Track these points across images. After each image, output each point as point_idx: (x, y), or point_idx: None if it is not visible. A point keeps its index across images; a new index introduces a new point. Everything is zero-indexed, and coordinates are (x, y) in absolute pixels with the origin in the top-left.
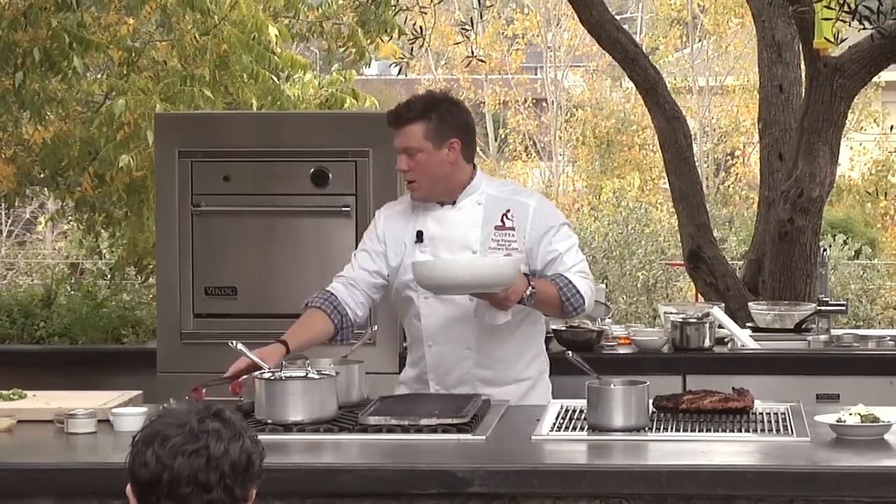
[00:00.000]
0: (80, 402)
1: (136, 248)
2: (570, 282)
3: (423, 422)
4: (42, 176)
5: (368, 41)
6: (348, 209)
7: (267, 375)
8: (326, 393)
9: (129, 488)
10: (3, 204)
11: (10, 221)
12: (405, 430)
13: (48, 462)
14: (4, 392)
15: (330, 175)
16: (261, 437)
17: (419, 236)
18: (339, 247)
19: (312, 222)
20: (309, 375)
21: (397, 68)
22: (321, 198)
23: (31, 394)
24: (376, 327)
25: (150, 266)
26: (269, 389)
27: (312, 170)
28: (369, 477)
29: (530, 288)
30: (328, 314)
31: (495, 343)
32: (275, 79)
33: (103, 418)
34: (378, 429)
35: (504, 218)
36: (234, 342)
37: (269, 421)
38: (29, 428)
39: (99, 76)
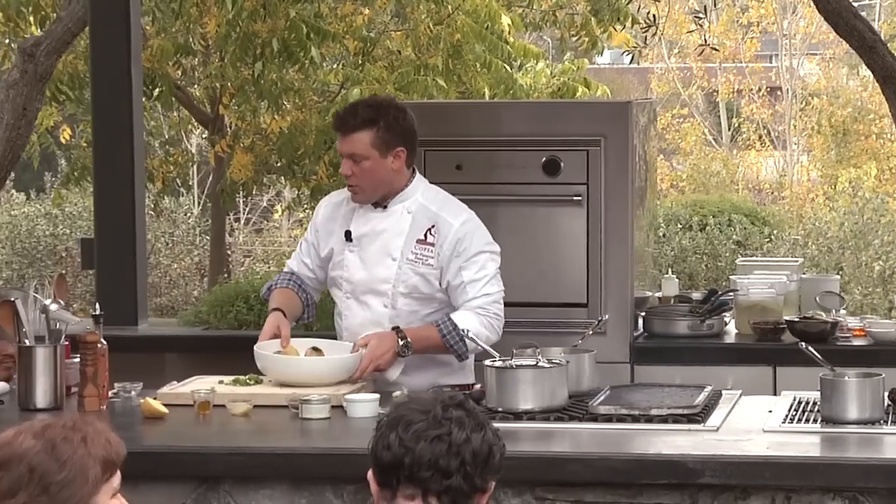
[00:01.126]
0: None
1: None
2: (455, 327)
3: (654, 412)
4: (279, 164)
5: (601, 30)
6: (580, 198)
7: (498, 364)
8: (557, 382)
9: (370, 472)
10: (241, 192)
11: (247, 209)
12: (635, 419)
13: (283, 447)
14: (242, 377)
15: (562, 164)
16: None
17: (348, 235)
18: (571, 236)
19: (544, 211)
20: (539, 364)
21: (630, 57)
22: (553, 187)
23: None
24: (607, 316)
25: None
26: (500, 378)
27: (544, 159)
28: (599, 466)
29: (401, 343)
30: (296, 293)
31: (418, 353)
32: (507, 68)
33: (337, 404)
34: (608, 418)
35: (428, 233)
36: (466, 330)
37: (500, 409)
38: (265, 413)
39: (335, 66)
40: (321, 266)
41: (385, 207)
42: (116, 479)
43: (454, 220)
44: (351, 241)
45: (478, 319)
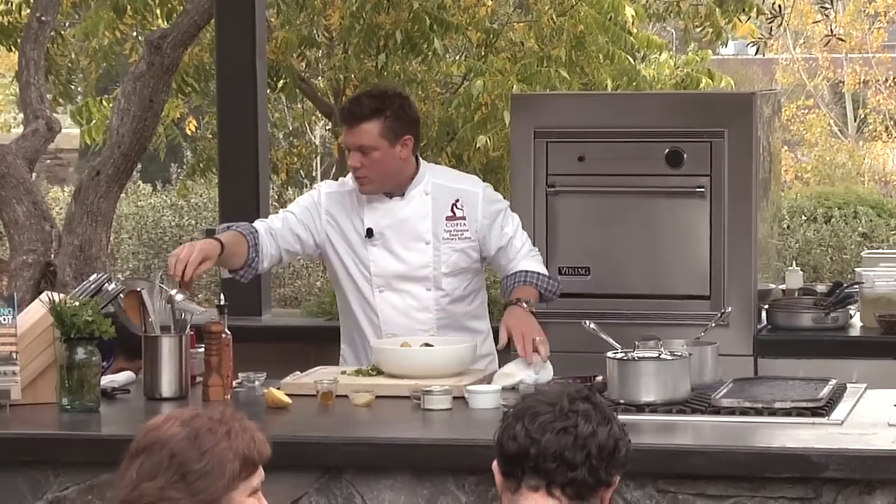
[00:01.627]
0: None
1: None
2: (537, 273)
3: (777, 405)
4: None
5: (726, 20)
6: (703, 190)
7: (620, 356)
8: (679, 374)
9: (494, 463)
10: None
11: None
12: (759, 412)
13: (405, 437)
14: (364, 367)
15: (685, 156)
16: None
17: (369, 233)
18: (694, 228)
19: (666, 203)
20: (662, 356)
21: (755, 48)
22: (675, 178)
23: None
24: (730, 308)
25: None
26: (623, 370)
27: (667, 150)
28: (722, 459)
29: (526, 306)
30: (248, 247)
31: (455, 329)
32: (630, 59)
33: (459, 395)
34: (731, 411)
35: (454, 208)
36: (587, 322)
37: (622, 401)
38: (386, 403)
39: (458, 57)
40: (292, 243)
41: (402, 195)
42: (256, 478)
43: (475, 187)
44: (372, 236)
45: (535, 260)
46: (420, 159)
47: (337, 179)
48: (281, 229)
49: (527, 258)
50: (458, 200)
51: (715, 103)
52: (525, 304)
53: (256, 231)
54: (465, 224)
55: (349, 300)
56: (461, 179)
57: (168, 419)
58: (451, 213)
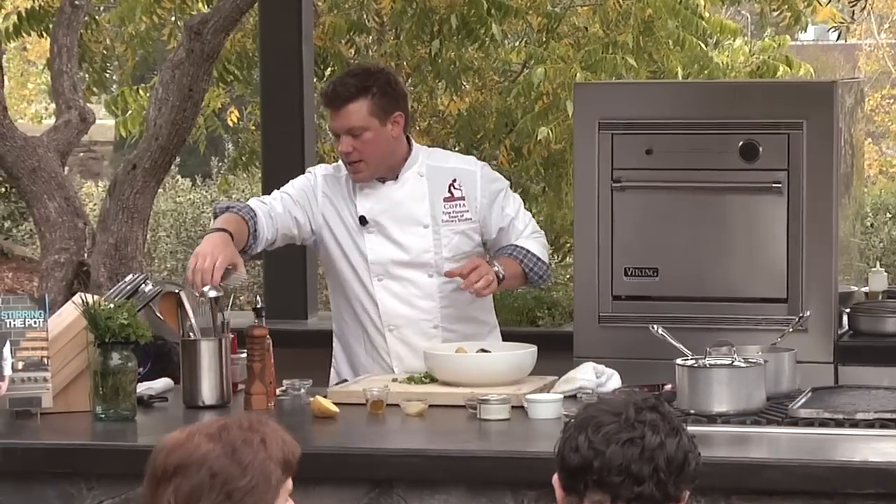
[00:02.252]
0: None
1: (554, 226)
2: (528, 252)
3: (860, 415)
4: (457, 149)
5: (805, 4)
6: (780, 186)
7: (691, 363)
8: (754, 382)
9: (555, 477)
10: None
11: None
12: (839, 423)
13: (460, 449)
14: (416, 374)
15: (760, 149)
16: None
17: (362, 221)
18: (770, 226)
19: (740, 199)
20: (735, 363)
21: (836, 33)
22: (750, 173)
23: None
24: (809, 312)
25: (569, 245)
26: (693, 378)
27: (741, 143)
28: (799, 473)
29: (495, 265)
30: (248, 233)
31: (460, 320)
32: (702, 45)
33: (517, 405)
34: (809, 422)
35: (452, 188)
36: (655, 326)
37: (692, 411)
38: (440, 413)
39: (517, 44)
40: (290, 226)
41: (396, 178)
42: (290, 480)
43: (472, 166)
44: (366, 223)
45: (538, 243)
46: (412, 140)
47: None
48: (281, 213)
49: (528, 239)
50: (455, 180)
51: (793, 92)
52: (496, 267)
53: (256, 214)
54: (464, 204)
55: (345, 290)
56: (457, 159)
57: (191, 435)
58: (448, 194)
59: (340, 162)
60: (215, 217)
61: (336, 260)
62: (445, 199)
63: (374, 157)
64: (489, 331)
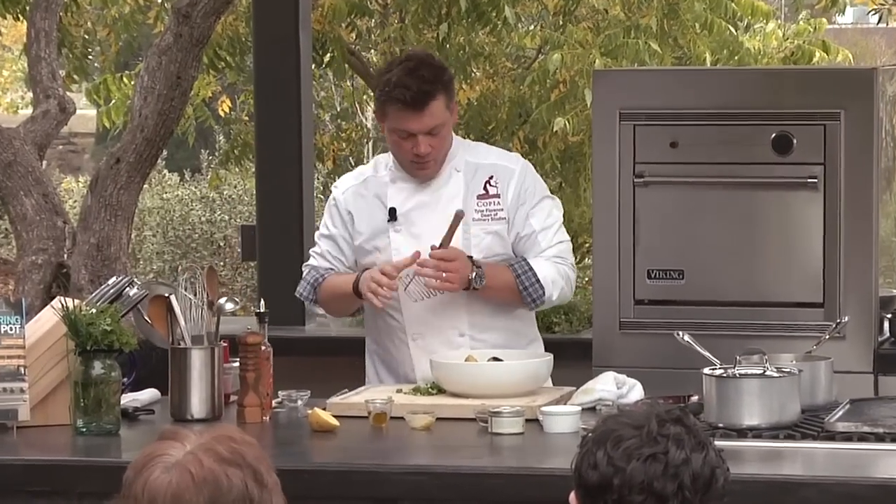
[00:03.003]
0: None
1: (571, 224)
2: (531, 268)
3: None
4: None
5: None
6: (815, 181)
7: (719, 372)
8: (787, 393)
9: (572, 495)
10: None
11: None
12: (880, 438)
13: (470, 465)
14: (422, 385)
15: (794, 141)
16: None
17: (392, 214)
18: (804, 224)
19: (773, 196)
20: (767, 373)
21: (877, 16)
22: (784, 167)
23: None
24: (847, 318)
25: (587, 245)
26: (721, 388)
27: (774, 135)
28: (837, 492)
29: (475, 270)
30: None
31: (491, 329)
32: (732, 29)
33: (532, 417)
34: (848, 436)
35: (487, 185)
36: (681, 333)
37: (721, 424)
38: (449, 426)
39: (532, 28)
40: (346, 261)
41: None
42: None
43: (513, 164)
44: (395, 219)
45: (555, 268)
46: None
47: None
48: (341, 253)
49: (544, 259)
50: (492, 177)
51: (830, 80)
52: (476, 270)
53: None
54: (498, 203)
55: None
56: (498, 154)
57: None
58: (483, 191)
59: (361, 168)
60: (314, 300)
61: (366, 263)
62: (479, 197)
63: (444, 151)
64: (527, 343)
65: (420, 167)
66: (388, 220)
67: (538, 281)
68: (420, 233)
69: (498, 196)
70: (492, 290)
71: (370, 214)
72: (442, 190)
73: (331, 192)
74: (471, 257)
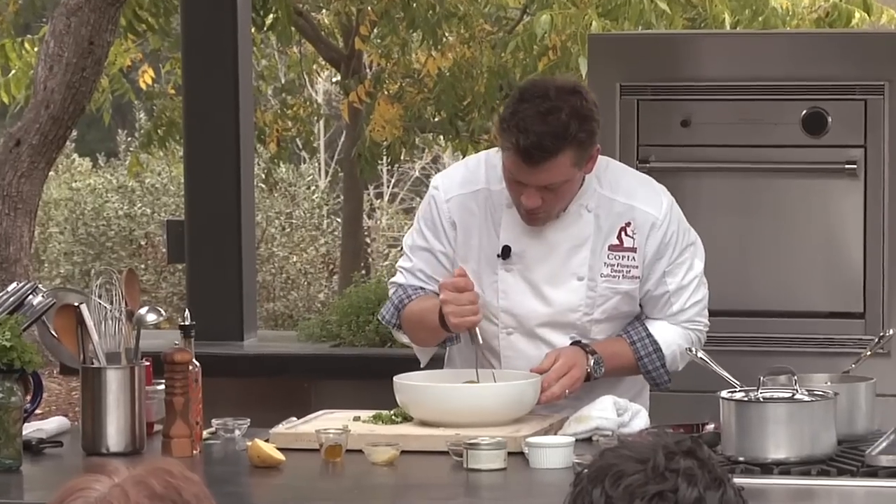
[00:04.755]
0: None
1: None
2: (657, 348)
3: None
4: (436, 119)
5: None
6: (854, 166)
7: (738, 396)
8: (821, 421)
9: None
10: (384, 158)
11: (393, 182)
12: None
13: None
14: (384, 412)
15: (829, 119)
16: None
17: (506, 252)
18: (842, 220)
19: (804, 185)
20: (797, 397)
21: None
22: (816, 150)
23: None
24: (892, 331)
25: None
26: (743, 415)
27: (805, 111)
28: None
29: (591, 357)
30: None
31: (601, 390)
32: None
33: (515, 450)
34: (892, 472)
35: (623, 233)
36: (693, 349)
37: (741, 458)
38: (416, 461)
39: None
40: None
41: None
42: None
43: (654, 209)
44: (509, 257)
45: (685, 335)
46: None
47: (351, 153)
48: (439, 272)
49: (673, 326)
50: (628, 224)
51: (871, 46)
52: (588, 352)
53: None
54: (633, 258)
55: (476, 338)
56: (638, 192)
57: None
58: (616, 241)
59: (466, 165)
60: (397, 326)
61: None
62: (612, 247)
63: (560, 205)
64: (635, 394)
65: (528, 218)
66: (499, 257)
67: (664, 366)
68: (536, 280)
69: (634, 250)
70: (610, 372)
71: (480, 240)
72: (567, 231)
73: (433, 196)
74: (578, 341)
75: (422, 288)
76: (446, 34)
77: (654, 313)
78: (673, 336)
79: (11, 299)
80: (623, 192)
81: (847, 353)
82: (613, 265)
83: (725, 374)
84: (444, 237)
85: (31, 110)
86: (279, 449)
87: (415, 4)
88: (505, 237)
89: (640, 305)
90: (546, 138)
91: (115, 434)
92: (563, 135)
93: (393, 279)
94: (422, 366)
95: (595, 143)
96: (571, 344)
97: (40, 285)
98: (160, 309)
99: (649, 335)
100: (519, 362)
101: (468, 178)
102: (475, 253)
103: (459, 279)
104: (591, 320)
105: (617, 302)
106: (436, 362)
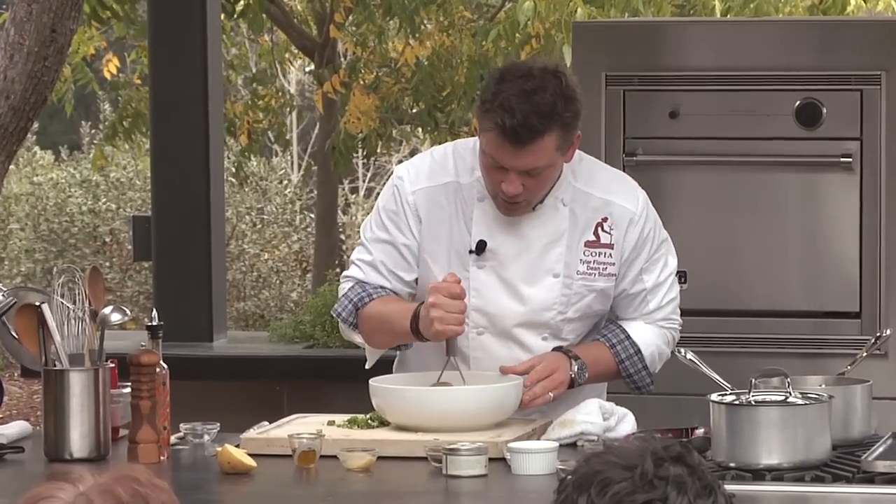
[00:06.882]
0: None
1: None
2: (637, 351)
3: None
4: (415, 110)
5: None
6: (849, 160)
7: (729, 399)
8: (815, 425)
9: None
10: (360, 150)
11: (369, 176)
12: None
13: None
14: (360, 416)
15: (824, 110)
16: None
17: (481, 247)
18: (836, 215)
19: (797, 179)
20: (790, 400)
21: None
22: (810, 143)
23: None
24: (889, 331)
25: None
26: (733, 419)
27: (798, 103)
28: None
29: (574, 362)
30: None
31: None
32: None
33: (497, 456)
34: (890, 478)
35: (599, 229)
36: (682, 350)
37: (732, 464)
38: (393, 467)
39: None
40: (408, 279)
41: (534, 206)
42: None
43: (631, 204)
44: (483, 252)
45: (661, 336)
46: None
47: (325, 145)
48: (403, 268)
49: (646, 325)
50: (605, 219)
51: (867, 35)
52: (572, 358)
53: (384, 289)
54: (610, 255)
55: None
56: (614, 185)
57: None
58: (592, 238)
59: (430, 156)
60: (353, 325)
61: (421, 286)
62: (588, 244)
63: (540, 192)
64: (597, 394)
65: (506, 207)
66: (471, 252)
67: (645, 368)
68: (510, 278)
69: (611, 247)
70: (593, 377)
71: (451, 235)
72: (543, 226)
73: (396, 186)
74: (560, 347)
75: (382, 287)
76: (424, 21)
77: (628, 313)
78: (651, 336)
79: None
80: (599, 186)
81: (842, 354)
82: (590, 262)
83: (716, 376)
84: (409, 229)
85: None
86: (250, 455)
87: None
88: (477, 232)
89: (612, 306)
90: (532, 117)
91: (78, 439)
92: (550, 114)
93: (348, 273)
94: (367, 367)
95: (577, 126)
96: (553, 349)
97: (0, 284)
98: (125, 308)
99: (628, 337)
100: (489, 363)
101: (436, 169)
102: (444, 248)
103: (455, 285)
104: (564, 319)
105: (591, 300)
106: (383, 364)
